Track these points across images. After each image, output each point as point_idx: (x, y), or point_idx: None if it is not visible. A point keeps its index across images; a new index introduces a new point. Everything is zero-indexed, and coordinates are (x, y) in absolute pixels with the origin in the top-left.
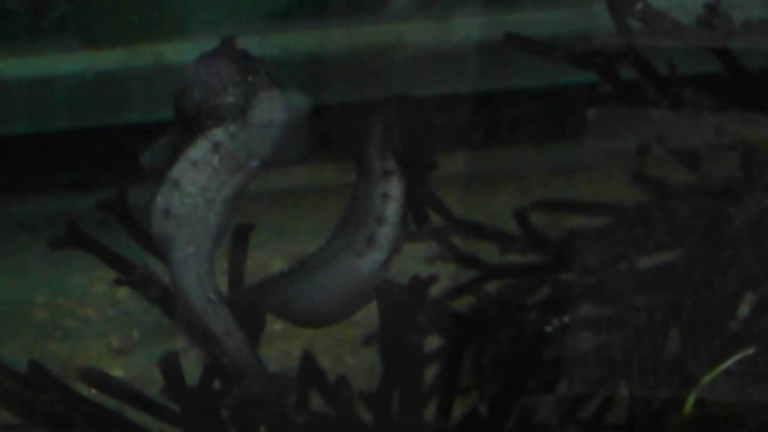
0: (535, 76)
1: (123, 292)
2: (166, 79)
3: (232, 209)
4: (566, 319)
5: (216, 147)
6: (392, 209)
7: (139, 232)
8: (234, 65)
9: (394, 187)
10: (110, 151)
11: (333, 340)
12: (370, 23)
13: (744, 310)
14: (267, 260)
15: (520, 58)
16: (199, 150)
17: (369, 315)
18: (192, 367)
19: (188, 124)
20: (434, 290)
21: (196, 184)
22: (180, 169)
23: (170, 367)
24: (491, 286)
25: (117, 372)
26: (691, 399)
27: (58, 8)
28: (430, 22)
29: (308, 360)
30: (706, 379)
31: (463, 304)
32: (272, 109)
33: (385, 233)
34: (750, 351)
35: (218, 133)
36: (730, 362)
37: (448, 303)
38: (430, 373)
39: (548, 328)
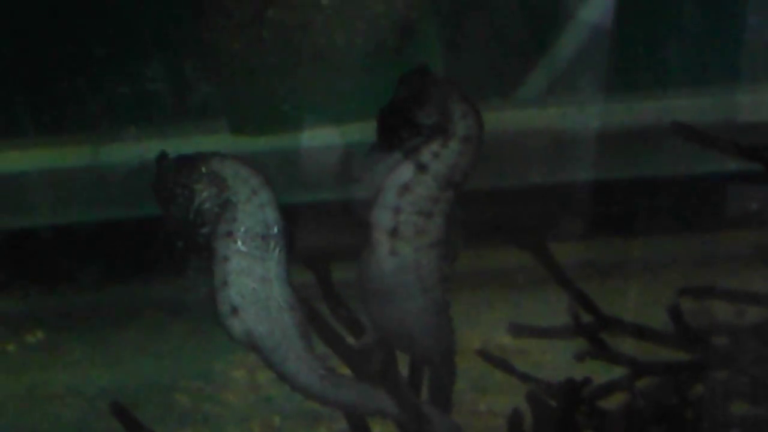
0: (674, 164)
1: (263, 377)
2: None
3: None
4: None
5: None
6: (409, 199)
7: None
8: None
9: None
10: None
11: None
12: (502, 108)
13: None
14: None
15: (659, 145)
16: None
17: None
18: None
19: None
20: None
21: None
22: None
23: None
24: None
25: None
26: None
27: (200, 91)
28: (565, 108)
29: None
30: None
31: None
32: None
33: (406, 222)
34: None
35: None
36: None
37: (600, 401)
38: None
39: None
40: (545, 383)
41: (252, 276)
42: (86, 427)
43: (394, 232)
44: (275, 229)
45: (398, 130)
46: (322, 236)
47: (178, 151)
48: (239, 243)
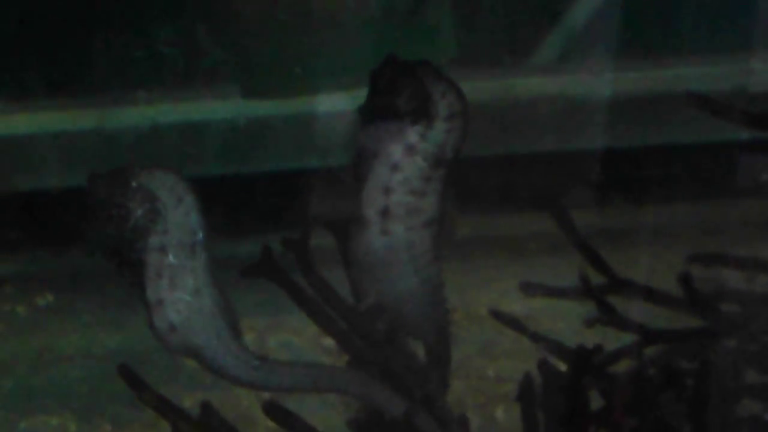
0: (686, 132)
1: (273, 340)
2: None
3: None
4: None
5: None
6: (399, 179)
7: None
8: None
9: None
10: (260, 197)
11: (484, 397)
12: (515, 75)
13: None
14: None
15: (671, 113)
16: None
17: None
18: None
19: None
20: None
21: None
22: None
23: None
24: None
25: (267, 423)
26: None
27: (212, 55)
28: (577, 74)
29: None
30: None
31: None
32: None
33: (398, 203)
34: None
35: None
36: None
37: (608, 367)
38: None
39: None
40: (556, 343)
41: (185, 289)
42: (95, 388)
43: (385, 212)
44: (200, 235)
45: (382, 124)
46: (334, 202)
47: (189, 115)
48: (171, 257)
